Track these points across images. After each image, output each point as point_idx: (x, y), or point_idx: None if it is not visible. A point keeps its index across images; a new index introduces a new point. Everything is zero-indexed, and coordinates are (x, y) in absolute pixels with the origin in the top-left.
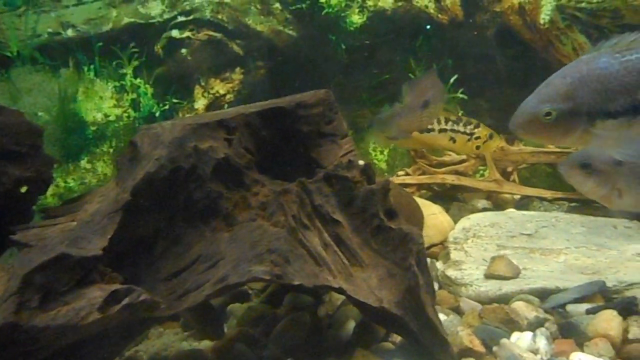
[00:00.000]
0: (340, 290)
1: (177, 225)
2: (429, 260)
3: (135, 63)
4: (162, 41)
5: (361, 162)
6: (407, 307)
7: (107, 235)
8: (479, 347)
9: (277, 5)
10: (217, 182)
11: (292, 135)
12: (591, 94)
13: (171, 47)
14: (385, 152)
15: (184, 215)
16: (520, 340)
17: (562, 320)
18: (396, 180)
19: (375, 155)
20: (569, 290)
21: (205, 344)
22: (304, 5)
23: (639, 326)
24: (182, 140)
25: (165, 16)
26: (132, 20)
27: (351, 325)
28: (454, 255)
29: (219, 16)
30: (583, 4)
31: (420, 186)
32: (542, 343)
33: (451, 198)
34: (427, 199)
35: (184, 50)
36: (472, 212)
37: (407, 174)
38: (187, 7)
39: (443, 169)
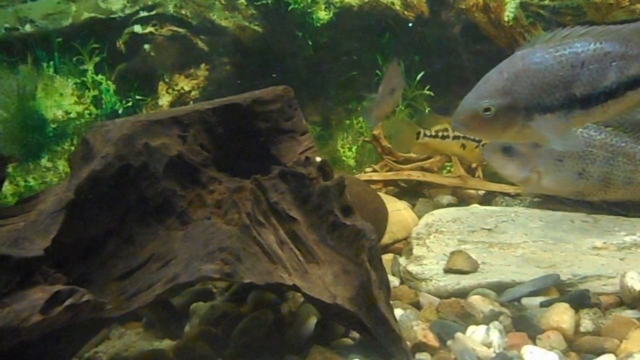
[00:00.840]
0: (294, 288)
1: (130, 224)
2: (392, 255)
3: (97, 59)
4: (124, 37)
5: (318, 159)
6: (360, 303)
7: (50, 235)
8: (433, 341)
9: (242, 0)
10: (171, 180)
11: (249, 132)
12: (528, 88)
13: (134, 42)
14: (354, 149)
15: (136, 213)
16: (475, 334)
17: (517, 313)
18: (363, 176)
19: (344, 152)
20: (524, 283)
21: (167, 344)
22: (269, 1)
23: (591, 319)
24: (131, 138)
25: (127, 11)
26: (93, 15)
27: (313, 322)
28: (417, 250)
29: (183, 11)
30: (546, 2)
31: (386, 182)
32: (495, 336)
33: (417, 194)
34: (393, 195)
35: (147, 46)
36: (437, 207)
37: (374, 171)
38: (150, 2)
39: (409, 166)
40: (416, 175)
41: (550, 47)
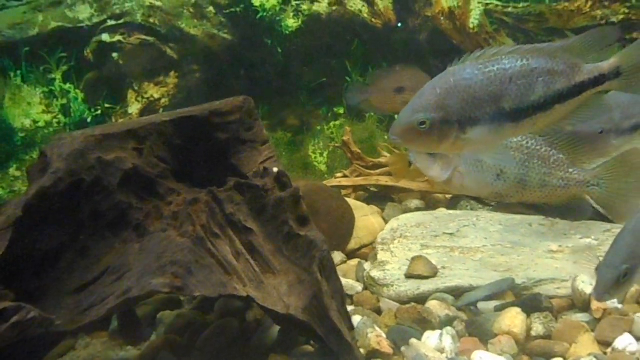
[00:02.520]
0: (248, 299)
1: (84, 238)
2: (357, 261)
3: (65, 68)
4: (92, 45)
5: (275, 169)
6: (313, 313)
7: None
8: (386, 348)
9: (211, 8)
10: (127, 193)
11: (209, 143)
12: (460, 103)
13: (102, 51)
14: (325, 155)
15: (91, 227)
16: (430, 339)
17: (472, 317)
18: (332, 182)
19: (315, 157)
20: (481, 288)
21: (132, 353)
22: (238, 9)
23: (542, 323)
24: (83, 152)
25: (95, 20)
26: (60, 24)
27: (276, 329)
28: (381, 255)
29: (151, 20)
30: (510, 9)
31: (356, 188)
32: (447, 342)
33: (387, 199)
34: (364, 200)
35: (115, 55)
36: (406, 212)
37: (344, 176)
38: (117, 11)
39: (378, 171)
40: (385, 181)
41: (480, 63)
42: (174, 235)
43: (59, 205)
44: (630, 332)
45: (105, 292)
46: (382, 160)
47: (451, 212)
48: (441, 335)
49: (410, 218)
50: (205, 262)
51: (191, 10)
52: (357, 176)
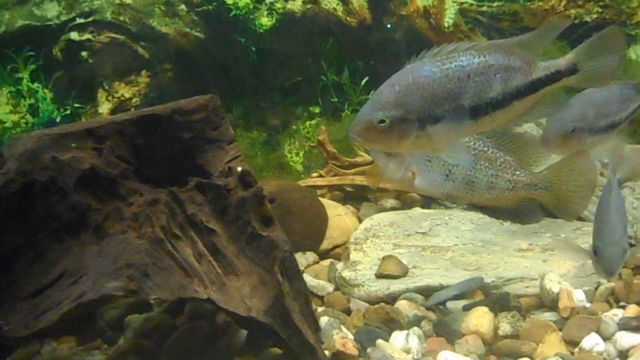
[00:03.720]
0: (209, 301)
1: (41, 240)
2: (329, 261)
3: (32, 67)
4: (60, 44)
5: (239, 168)
6: (275, 314)
7: None
8: (351, 349)
9: (183, 6)
10: (85, 194)
11: (173, 142)
12: (418, 100)
13: (71, 50)
14: (301, 154)
15: (47, 229)
16: (397, 340)
17: (441, 317)
18: (307, 182)
19: (291, 157)
20: (450, 287)
21: (99, 358)
22: (210, 7)
23: (509, 322)
24: (35, 152)
25: (63, 18)
26: (27, 22)
27: (245, 332)
28: (353, 255)
29: (121, 18)
30: (484, 8)
31: (331, 187)
32: (413, 342)
33: (362, 198)
34: (339, 200)
35: (84, 53)
36: (381, 211)
37: (320, 176)
38: (86, 9)
39: (353, 170)
40: (360, 180)
41: (438, 60)
42: (133, 237)
43: (11, 207)
44: (598, 332)
45: (61, 296)
46: (357, 159)
47: (425, 211)
48: (407, 335)
49: (383, 217)
50: (163, 265)
51: (162, 8)
52: (332, 176)
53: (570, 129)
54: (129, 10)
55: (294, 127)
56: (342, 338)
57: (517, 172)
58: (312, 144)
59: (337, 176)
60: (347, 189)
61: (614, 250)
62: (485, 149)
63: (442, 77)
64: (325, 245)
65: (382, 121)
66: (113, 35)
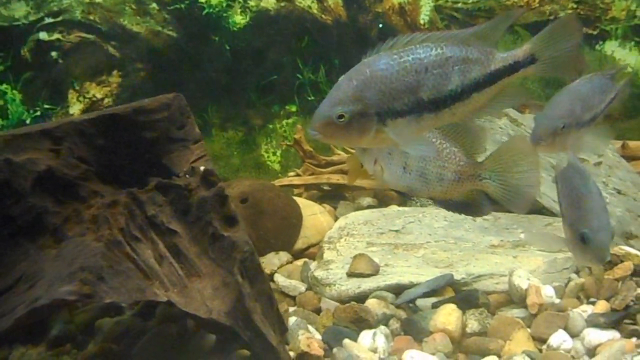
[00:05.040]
0: (169, 304)
1: None
2: (303, 261)
3: (1, 68)
4: (29, 44)
5: (202, 168)
6: (237, 316)
7: None
8: (316, 350)
9: (154, 5)
10: (42, 196)
11: (135, 142)
12: (377, 94)
13: (40, 50)
14: (278, 153)
15: (2, 233)
16: (364, 339)
17: (410, 315)
18: (283, 181)
19: (268, 156)
20: (420, 285)
21: None
22: (182, 5)
23: (477, 319)
24: None
25: (31, 18)
26: None
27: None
28: (327, 254)
29: (91, 17)
30: (459, 4)
31: (308, 187)
32: (380, 341)
33: (339, 197)
34: (316, 198)
35: (54, 53)
36: (359, 209)
37: (297, 175)
38: (55, 8)
39: (329, 169)
40: (336, 179)
41: (395, 53)
42: (90, 240)
43: None
44: (565, 329)
45: (16, 301)
46: (334, 158)
47: (400, 208)
48: (374, 334)
49: (358, 216)
50: (121, 267)
51: (133, 6)
52: (309, 175)
53: (561, 126)
54: (99, 9)
55: (271, 126)
56: (308, 339)
57: (462, 163)
58: (288, 143)
59: (313, 175)
60: (325, 187)
61: (603, 236)
62: (434, 139)
63: (399, 70)
64: (300, 244)
65: (341, 116)
66: (83, 34)
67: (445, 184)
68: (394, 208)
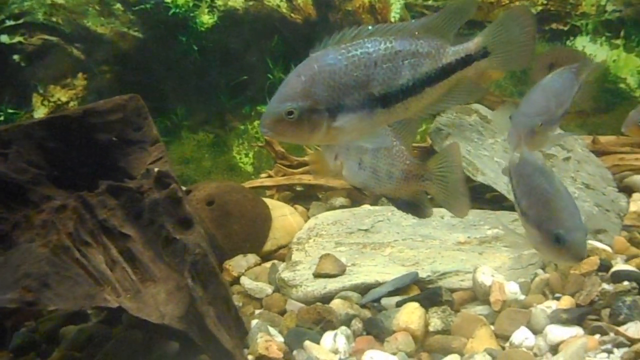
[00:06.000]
0: (120, 310)
1: None
2: (271, 263)
3: None
4: None
5: (156, 169)
6: (191, 321)
7: None
8: (275, 353)
9: (119, 5)
10: None
11: (88, 145)
12: (326, 90)
13: (1, 53)
14: (250, 155)
15: None
16: (326, 340)
17: (375, 315)
18: (254, 183)
19: (240, 158)
20: (385, 283)
21: None
22: (148, 6)
23: (440, 317)
24: None
25: None
26: None
27: None
28: (295, 256)
29: (54, 19)
30: (430, 2)
31: (280, 188)
32: (341, 342)
33: (312, 198)
34: (289, 200)
35: (16, 57)
36: (331, 209)
37: (269, 176)
38: (16, 10)
39: (301, 169)
40: (307, 179)
41: (343, 48)
42: (37, 246)
43: None
44: (528, 325)
45: None
46: (306, 158)
47: (371, 208)
48: (335, 335)
49: (328, 216)
50: (68, 273)
51: (97, 7)
52: (281, 176)
53: (539, 123)
54: (62, 10)
55: (242, 127)
56: (266, 341)
57: (408, 162)
58: (260, 144)
59: (285, 176)
60: (297, 188)
61: (580, 235)
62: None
63: (348, 65)
64: (269, 246)
65: (291, 112)
66: (46, 37)
67: (393, 182)
68: (365, 207)
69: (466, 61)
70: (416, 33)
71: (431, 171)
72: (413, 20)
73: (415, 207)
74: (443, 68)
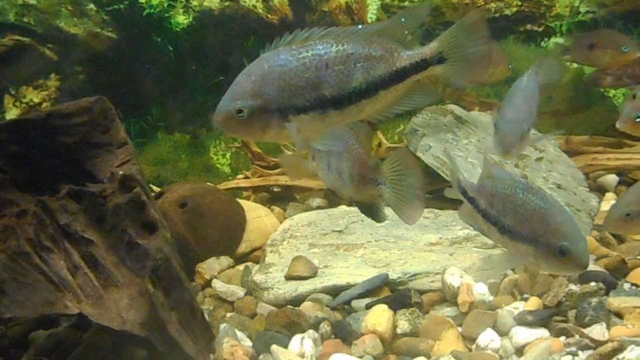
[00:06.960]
0: (81, 316)
1: None
2: (244, 265)
3: None
4: None
5: (120, 173)
6: (153, 327)
7: None
8: (241, 357)
9: (92, 6)
10: None
11: (53, 148)
12: (276, 90)
13: None
14: (228, 156)
15: None
16: (294, 344)
17: (344, 317)
18: (230, 184)
19: (217, 159)
20: (356, 285)
21: None
22: (121, 6)
23: (407, 319)
24: None
25: None
26: None
27: None
28: (269, 258)
29: (25, 19)
30: (406, 3)
31: (256, 189)
32: (308, 346)
33: (289, 199)
34: (266, 201)
35: None
36: (308, 210)
37: (246, 177)
38: None
39: (277, 170)
40: (284, 180)
41: (294, 49)
42: None
43: None
44: (494, 327)
45: None
46: (278, 160)
47: (347, 209)
48: (302, 339)
49: (303, 217)
50: (27, 280)
51: (70, 7)
52: (258, 177)
53: (526, 129)
54: (34, 11)
55: None
56: (232, 346)
57: (364, 165)
58: (237, 145)
59: (261, 177)
60: (274, 189)
61: (583, 245)
62: (347, 140)
63: (298, 66)
64: (244, 248)
65: (240, 111)
66: (17, 37)
67: (354, 185)
68: (341, 208)
69: (421, 65)
70: (370, 37)
71: (385, 175)
72: (367, 24)
73: (372, 210)
74: (397, 72)
